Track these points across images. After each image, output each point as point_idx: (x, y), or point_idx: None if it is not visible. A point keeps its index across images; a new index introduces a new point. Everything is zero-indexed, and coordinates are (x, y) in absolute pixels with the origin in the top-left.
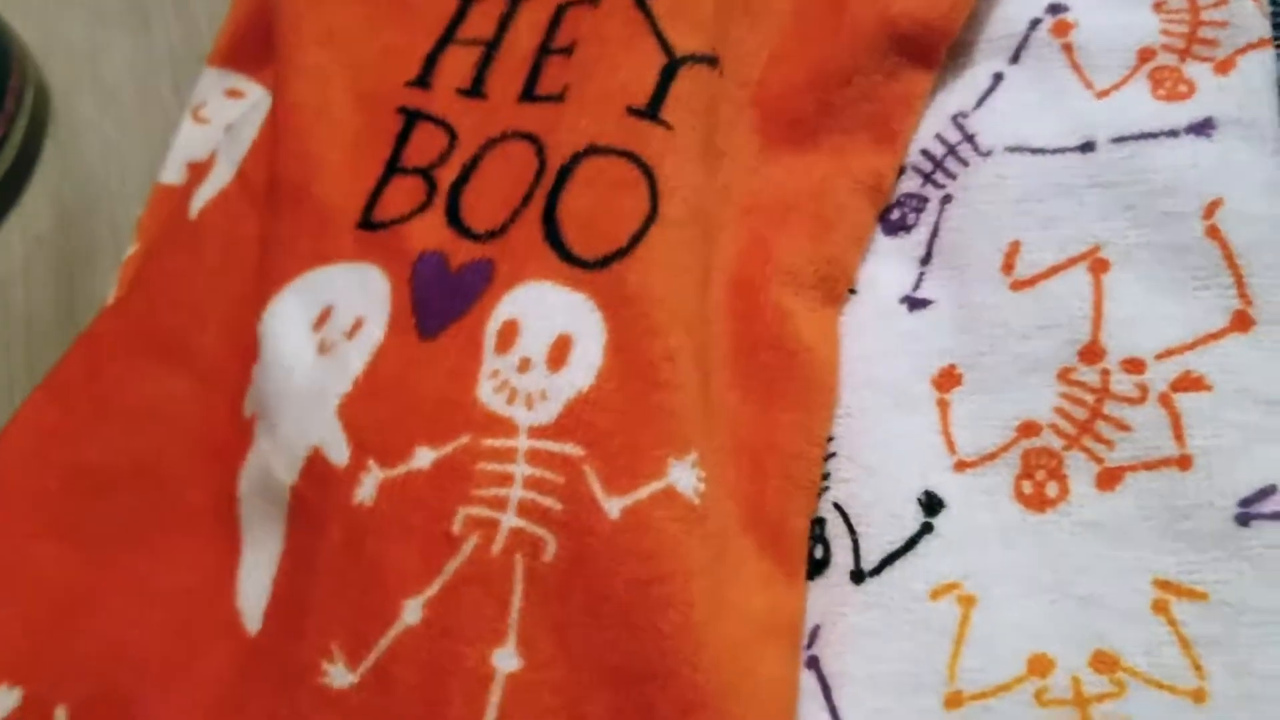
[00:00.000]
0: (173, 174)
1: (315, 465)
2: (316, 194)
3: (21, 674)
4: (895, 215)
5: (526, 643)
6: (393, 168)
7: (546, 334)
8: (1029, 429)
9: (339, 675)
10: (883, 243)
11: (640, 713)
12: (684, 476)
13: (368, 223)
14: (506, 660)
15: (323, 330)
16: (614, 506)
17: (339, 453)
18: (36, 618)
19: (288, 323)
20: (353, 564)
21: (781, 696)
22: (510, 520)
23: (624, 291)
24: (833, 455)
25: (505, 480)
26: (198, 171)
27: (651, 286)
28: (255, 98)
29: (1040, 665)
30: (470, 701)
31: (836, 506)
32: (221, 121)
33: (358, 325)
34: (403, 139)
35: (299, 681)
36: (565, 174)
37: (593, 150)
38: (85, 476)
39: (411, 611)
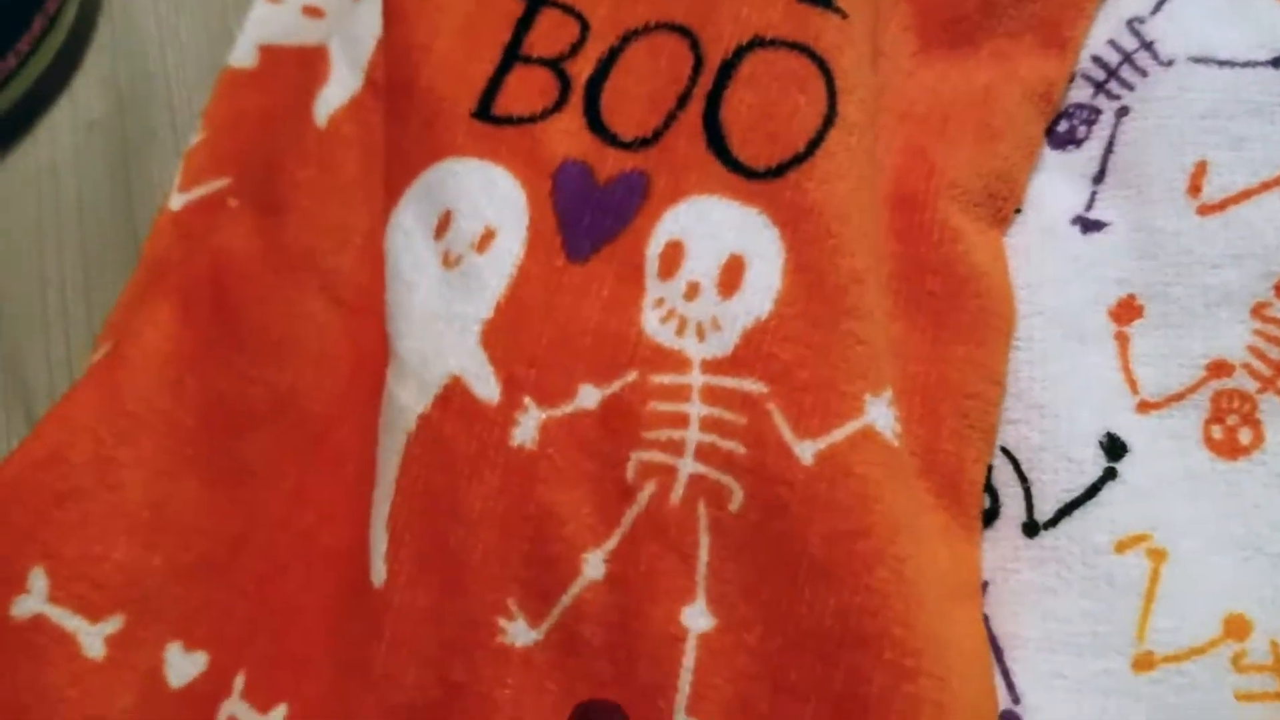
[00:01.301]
0: (244, 57)
1: (454, 397)
2: (424, 84)
3: (198, 635)
4: (1063, 128)
5: (717, 600)
6: (513, 56)
7: (715, 255)
8: (1219, 369)
9: (520, 633)
10: (1050, 158)
11: (850, 681)
12: (882, 415)
13: (487, 114)
14: (697, 619)
15: (445, 239)
16: (806, 451)
17: (486, 387)
18: (190, 568)
19: (408, 234)
20: (519, 513)
21: (982, 662)
22: (688, 466)
23: (803, 204)
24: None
25: (680, 421)
26: (281, 58)
27: (834, 198)
28: None
29: (1237, 627)
30: (662, 664)
31: (1004, 451)
32: (296, 2)
33: (489, 237)
34: (524, 25)
35: (473, 641)
36: (728, 71)
37: (759, 43)
38: (221, 410)
39: (593, 566)
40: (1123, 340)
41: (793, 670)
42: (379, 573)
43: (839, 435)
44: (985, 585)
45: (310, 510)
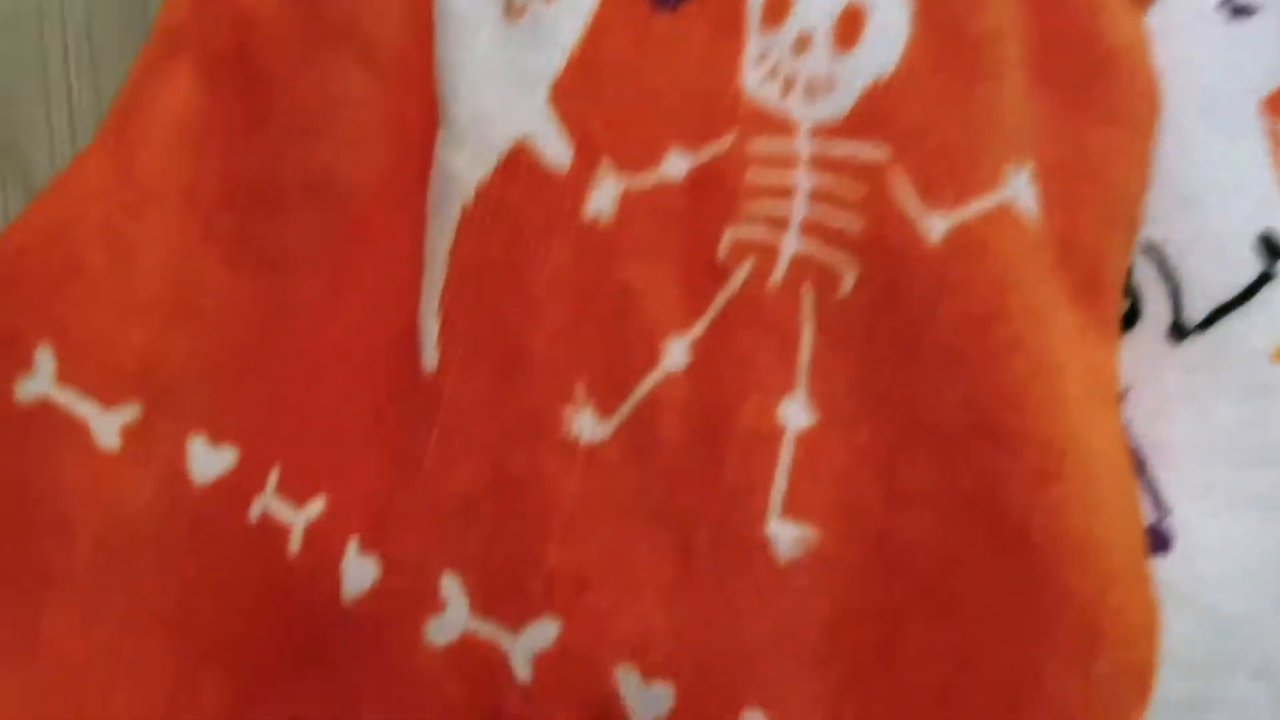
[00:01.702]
0: None
1: (519, 164)
2: None
3: (226, 428)
4: None
5: (819, 394)
6: None
7: (830, 2)
8: None
9: (588, 425)
10: None
11: (981, 483)
12: (1023, 191)
13: None
14: (796, 414)
15: None
16: (936, 226)
17: (557, 151)
18: (215, 354)
19: None
20: (592, 292)
21: (1126, 473)
22: (792, 243)
23: None
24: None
25: (784, 193)
26: None
27: None
28: None
29: None
30: (752, 464)
31: (1149, 250)
32: None
33: None
34: None
35: (534, 432)
36: None
37: None
38: (249, 187)
39: (675, 353)
40: (1275, 136)
41: (908, 472)
42: (430, 359)
43: (974, 209)
44: (1125, 392)
45: (353, 300)
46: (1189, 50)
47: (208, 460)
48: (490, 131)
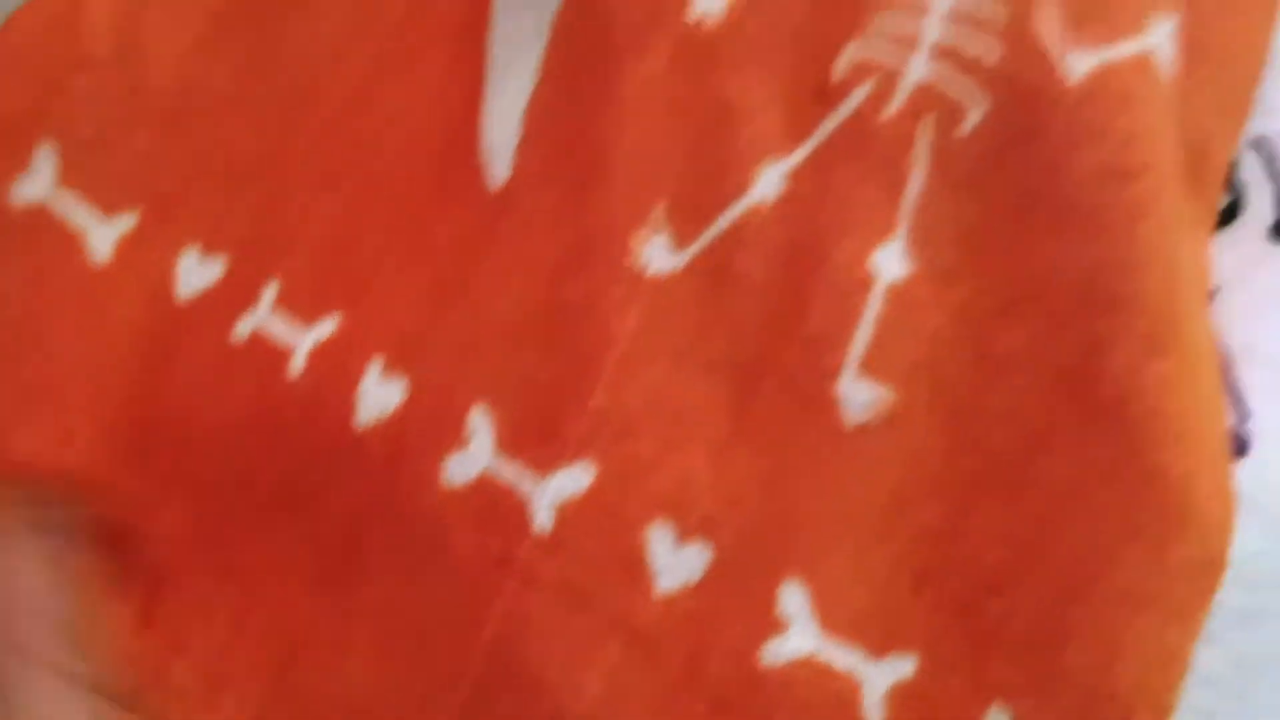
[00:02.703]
0: None
1: None
2: None
3: (219, 240)
4: None
5: (921, 244)
6: None
7: None
8: None
9: (660, 253)
10: None
11: (1085, 351)
12: (1165, 44)
13: None
14: (891, 262)
15: None
16: (1079, 64)
17: None
18: (221, 162)
19: None
20: (686, 104)
21: (1214, 357)
22: (919, 68)
23: None
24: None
25: (919, 8)
26: None
27: None
28: None
29: None
30: (836, 311)
31: (1257, 145)
32: None
33: None
34: None
35: (599, 257)
36: None
37: None
38: None
39: (768, 182)
40: None
41: (1006, 335)
42: (499, 171)
43: (1121, 51)
44: (1216, 291)
45: (377, 108)
46: None
47: (195, 272)
48: None
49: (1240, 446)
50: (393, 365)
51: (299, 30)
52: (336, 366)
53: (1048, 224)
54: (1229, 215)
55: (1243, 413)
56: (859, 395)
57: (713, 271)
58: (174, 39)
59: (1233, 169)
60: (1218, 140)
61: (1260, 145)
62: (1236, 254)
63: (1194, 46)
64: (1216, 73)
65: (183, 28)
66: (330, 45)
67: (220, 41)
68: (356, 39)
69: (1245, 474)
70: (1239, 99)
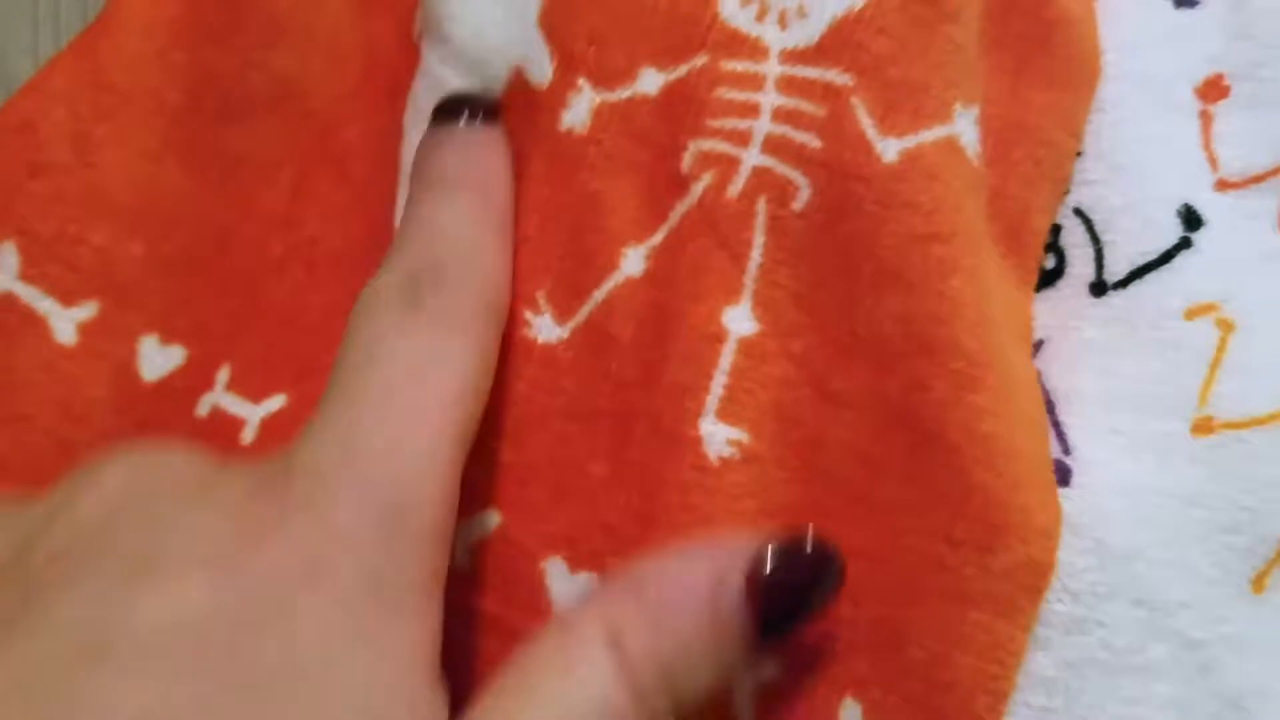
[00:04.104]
0: None
1: (515, 89)
2: None
3: (176, 329)
4: None
5: (765, 304)
6: None
7: None
8: None
9: (545, 328)
10: None
11: (907, 389)
12: (968, 130)
13: None
14: (739, 321)
15: None
16: (890, 148)
17: (541, 70)
18: (172, 258)
19: None
20: (561, 202)
21: (1037, 398)
22: (753, 158)
23: None
24: (1078, 154)
25: (749, 111)
26: None
27: None
28: None
29: None
30: (695, 364)
31: (1078, 212)
32: None
33: None
34: None
35: None
36: None
37: None
38: (215, 93)
39: (632, 261)
40: (1206, 118)
41: (839, 378)
42: None
43: (926, 137)
44: (1040, 344)
45: (312, 210)
46: (1136, 33)
47: (157, 358)
48: (496, 60)
49: (1064, 476)
50: None
51: (241, 135)
52: (281, 433)
53: (870, 282)
54: (1056, 275)
55: (1066, 447)
56: (718, 434)
57: (591, 337)
58: (128, 146)
59: (1058, 233)
60: (1034, 209)
61: (1081, 214)
62: (1061, 309)
63: (1007, 129)
64: (1033, 153)
65: (136, 137)
66: (269, 147)
67: (168, 147)
68: (292, 144)
69: (1069, 500)
70: (1055, 171)
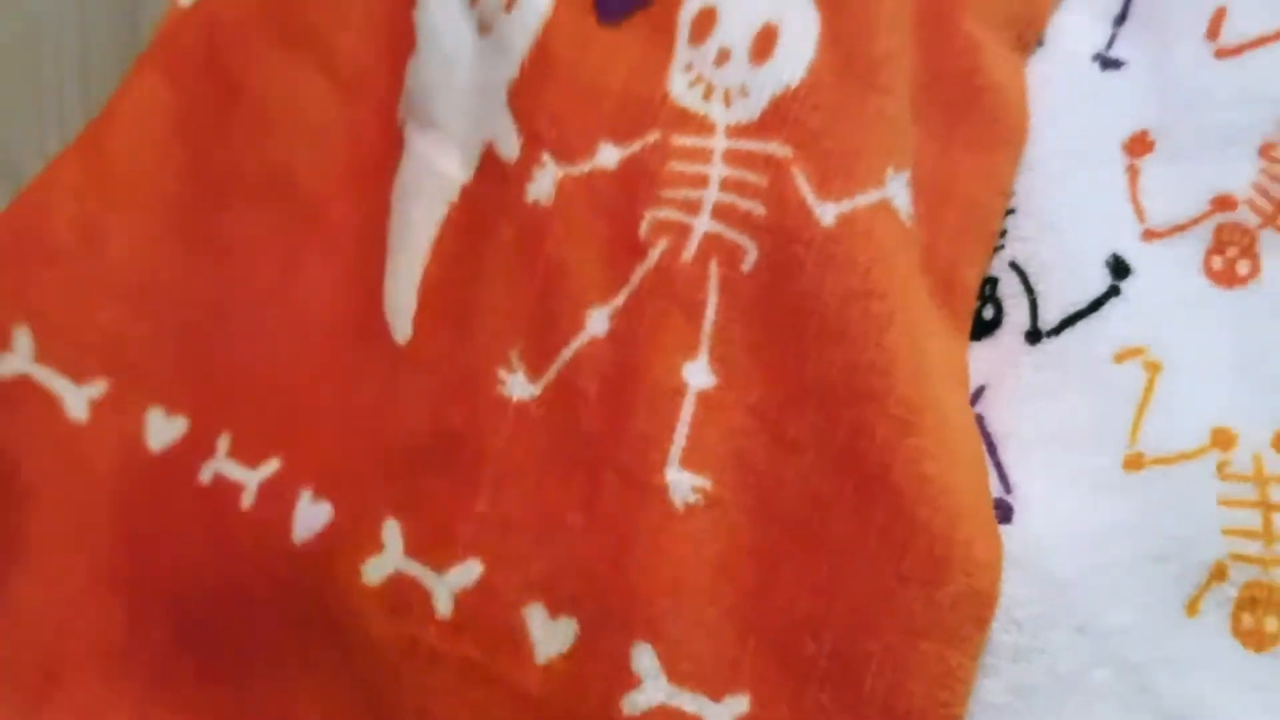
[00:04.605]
0: None
1: (488, 163)
2: None
3: (179, 401)
4: None
5: (720, 359)
6: None
7: (749, 23)
8: (1224, 203)
9: (519, 385)
10: None
11: (853, 433)
12: (900, 193)
13: None
14: (698, 375)
15: (479, 6)
16: (827, 212)
17: (509, 146)
18: (175, 335)
19: (443, 5)
20: (529, 268)
21: (975, 439)
22: (704, 224)
23: None
24: (1012, 211)
25: (699, 182)
26: None
27: None
28: None
29: (1223, 438)
30: (657, 415)
31: (1013, 266)
32: None
33: None
34: None
35: (473, 390)
36: None
37: None
38: (211, 180)
39: (597, 321)
40: (1133, 172)
41: (792, 426)
42: (404, 330)
43: (860, 201)
44: (981, 389)
45: (303, 283)
46: (1064, 95)
47: (162, 429)
48: (473, 137)
49: (1006, 514)
50: (320, 492)
51: (235, 218)
52: (277, 496)
53: (815, 336)
54: (994, 324)
55: (1007, 485)
56: (682, 482)
57: (561, 394)
58: (131, 231)
59: (996, 286)
60: (964, 263)
61: (1015, 267)
62: (998, 356)
63: (937, 193)
64: (963, 212)
65: (140, 223)
66: (262, 228)
67: (170, 232)
68: (284, 224)
69: (1010, 536)
70: (983, 229)
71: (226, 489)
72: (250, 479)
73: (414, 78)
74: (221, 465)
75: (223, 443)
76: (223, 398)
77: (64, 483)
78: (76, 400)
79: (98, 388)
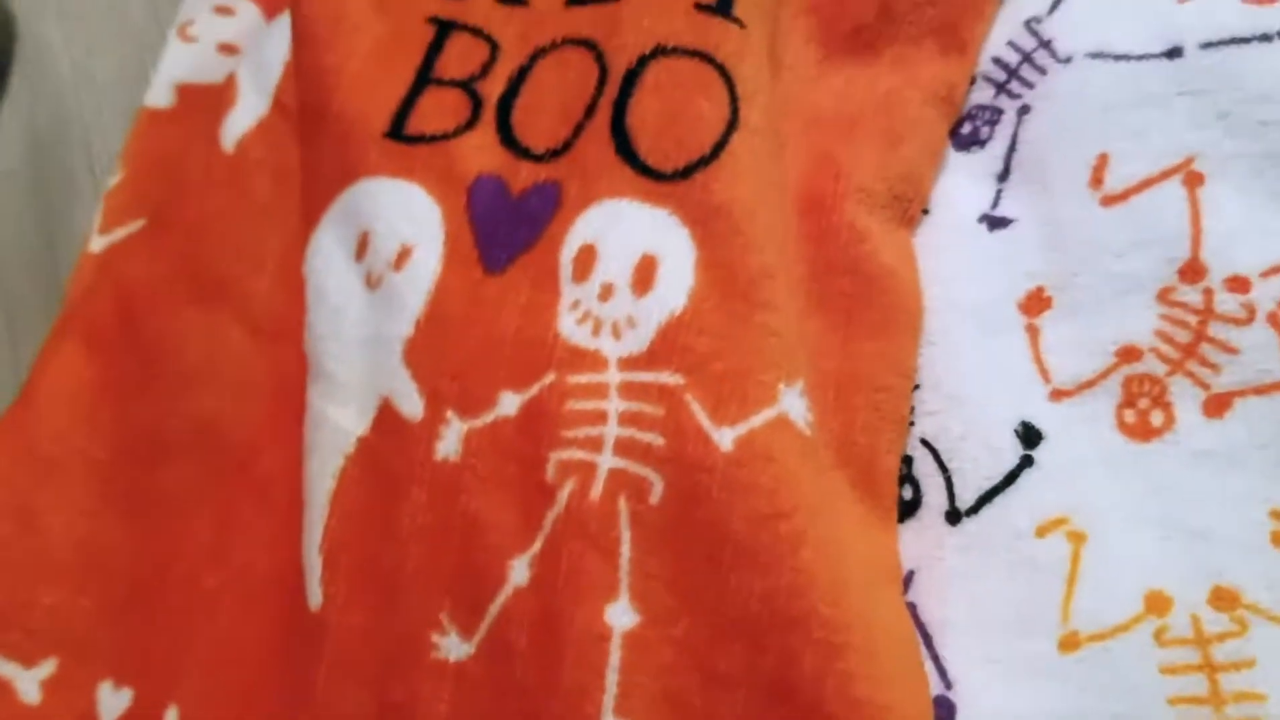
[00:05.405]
0: (161, 97)
1: (386, 418)
2: (337, 107)
3: (126, 673)
4: (967, 129)
5: (641, 596)
6: (425, 78)
7: (628, 256)
8: (1129, 354)
9: (454, 647)
10: (954, 159)
11: (781, 664)
12: (795, 405)
13: (400, 133)
14: (621, 616)
15: (366, 260)
16: (725, 437)
17: (411, 404)
18: (118, 606)
19: (329, 257)
20: (446, 526)
21: (910, 643)
22: (608, 461)
23: (711, 203)
24: (917, 387)
25: (598, 418)
26: (198, 96)
27: (740, 197)
28: (247, 16)
29: (1158, 603)
30: (586, 664)
31: (924, 442)
32: (211, 40)
33: (405, 254)
34: (435, 49)
35: (409, 659)
36: (632, 79)
37: (660, 51)
38: (139, 443)
39: (519, 571)
40: (1033, 332)
41: (721, 660)
42: (315, 596)
43: (756, 422)
44: (911, 575)
45: (240, 539)
46: (954, 263)
47: (112, 702)
48: (365, 391)
49: (949, 713)
50: None
51: (167, 476)
52: None
53: (730, 565)
54: (915, 505)
55: (947, 681)
56: None
57: (495, 650)
58: (66, 508)
59: (911, 464)
60: (881, 450)
61: (927, 444)
62: (924, 539)
63: (845, 384)
64: (872, 399)
65: (72, 498)
66: (194, 483)
67: (103, 502)
68: (215, 479)
69: None
70: (894, 415)
71: None
72: None
73: (308, 328)
74: None
75: (171, 715)
76: (167, 668)
77: None
78: (29, 684)
79: (47, 668)
